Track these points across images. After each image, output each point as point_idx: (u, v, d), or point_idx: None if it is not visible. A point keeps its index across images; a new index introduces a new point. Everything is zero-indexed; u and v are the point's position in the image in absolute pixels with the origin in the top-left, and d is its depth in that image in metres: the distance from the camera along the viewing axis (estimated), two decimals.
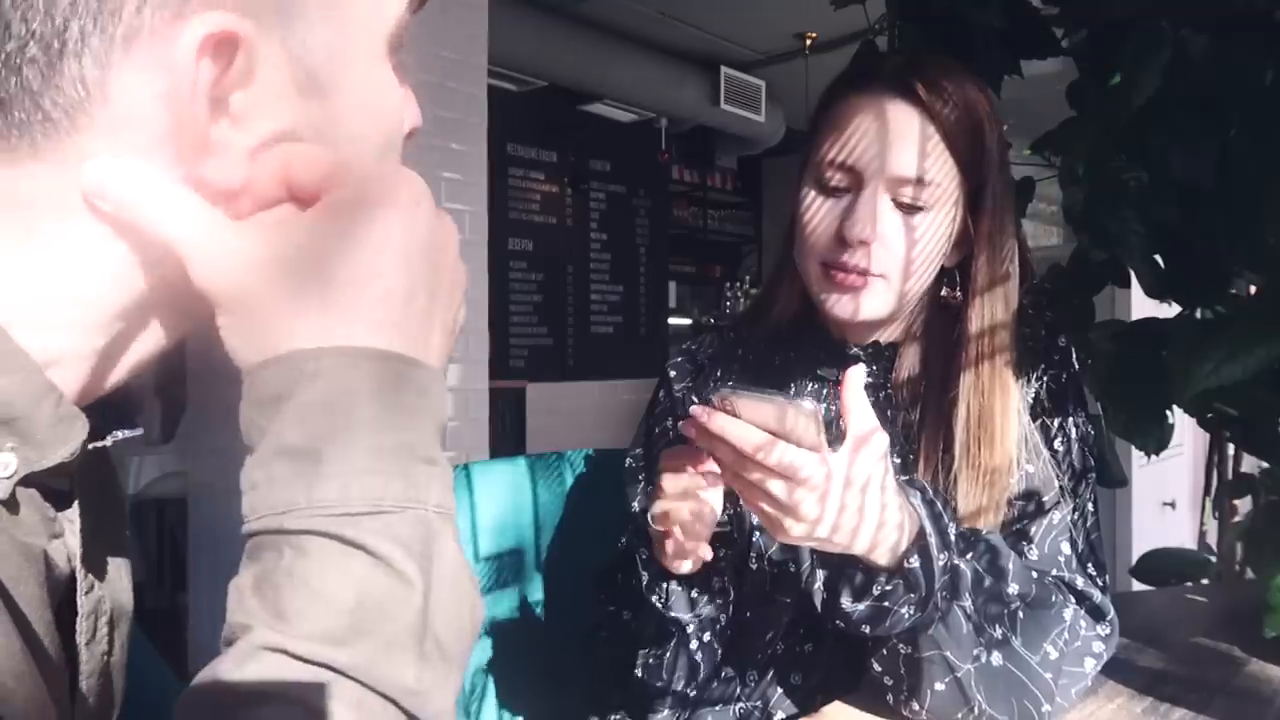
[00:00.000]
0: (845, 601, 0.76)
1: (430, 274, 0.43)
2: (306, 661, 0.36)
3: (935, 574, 0.74)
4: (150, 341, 0.45)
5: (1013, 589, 0.79)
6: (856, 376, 0.72)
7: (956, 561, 0.77)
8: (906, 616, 0.75)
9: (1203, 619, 1.17)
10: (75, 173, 0.39)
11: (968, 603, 0.77)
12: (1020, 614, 0.79)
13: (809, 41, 4.80)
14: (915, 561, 0.74)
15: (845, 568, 0.76)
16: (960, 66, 0.92)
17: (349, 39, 0.43)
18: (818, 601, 0.78)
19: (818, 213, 0.91)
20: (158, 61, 0.38)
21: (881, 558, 0.74)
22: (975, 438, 0.87)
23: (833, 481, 0.69)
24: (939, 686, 0.77)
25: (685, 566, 0.83)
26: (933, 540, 0.74)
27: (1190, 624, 1.11)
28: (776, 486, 0.69)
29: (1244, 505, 1.60)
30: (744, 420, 0.69)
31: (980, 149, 0.89)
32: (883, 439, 0.72)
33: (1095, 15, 1.37)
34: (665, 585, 0.87)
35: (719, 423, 0.69)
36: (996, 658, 0.78)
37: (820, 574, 0.78)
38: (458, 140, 2.88)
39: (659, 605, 0.86)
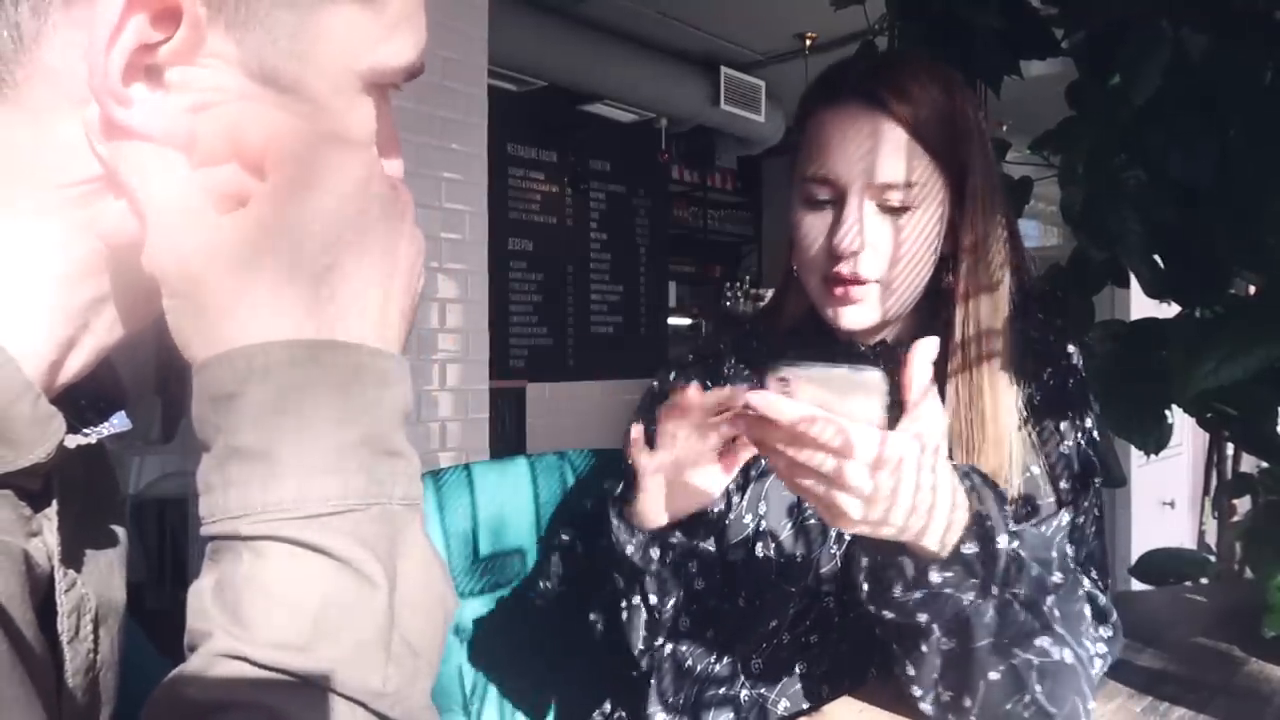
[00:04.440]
0: (900, 592, 0.73)
1: (386, 258, 0.41)
2: (268, 668, 0.36)
3: (997, 560, 0.72)
4: (106, 330, 0.44)
5: (1057, 577, 0.78)
6: (926, 348, 0.70)
7: (1014, 547, 0.74)
8: (968, 604, 0.73)
9: (1202, 619, 1.17)
10: (23, 134, 0.39)
11: (1020, 590, 0.75)
12: (1055, 609, 0.78)
13: (809, 41, 4.80)
14: (973, 547, 0.72)
15: (895, 554, 0.73)
16: (927, 62, 0.93)
17: (315, 54, 0.42)
18: (863, 592, 0.76)
19: (809, 229, 0.92)
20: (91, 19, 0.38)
21: (932, 543, 0.71)
22: (966, 441, 0.87)
23: (888, 458, 0.66)
24: (993, 676, 0.75)
25: (649, 511, 0.84)
26: (992, 525, 0.72)
27: (1190, 624, 1.11)
28: (832, 465, 0.66)
29: (1243, 505, 1.60)
30: (801, 400, 0.66)
31: (954, 142, 0.90)
32: (941, 418, 0.69)
33: (1095, 15, 1.37)
34: (618, 520, 0.86)
35: (775, 408, 0.66)
36: (1056, 651, 0.76)
37: (864, 560, 0.75)
38: (458, 140, 2.88)
39: (614, 526, 0.86)
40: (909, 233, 0.90)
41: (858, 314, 0.92)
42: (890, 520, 0.68)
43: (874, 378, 0.65)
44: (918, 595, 0.73)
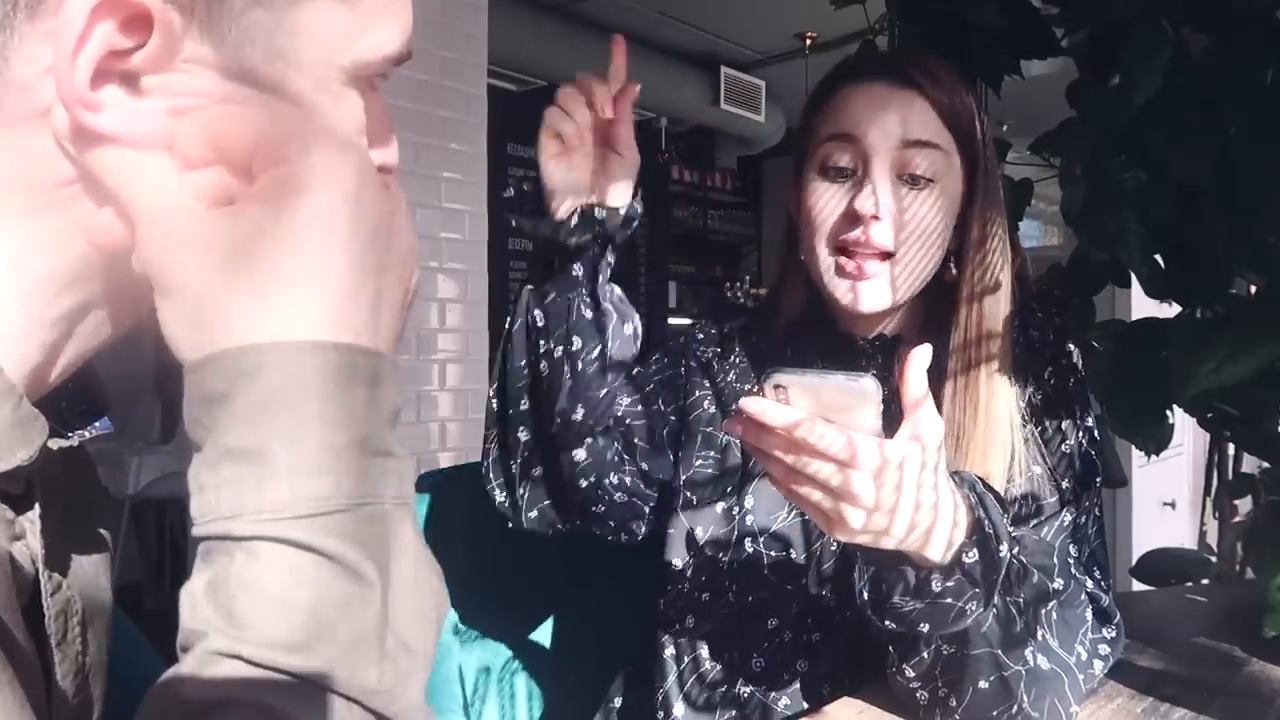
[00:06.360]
0: (901, 600, 0.72)
1: (378, 256, 0.41)
2: (264, 667, 0.36)
3: (998, 568, 0.71)
4: (92, 334, 0.44)
5: (1058, 583, 0.78)
6: (921, 356, 0.68)
7: (1014, 554, 0.74)
8: (969, 613, 0.72)
9: (1203, 619, 1.17)
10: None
11: (1021, 597, 0.75)
12: (1054, 613, 0.78)
13: (809, 41, 4.81)
14: (974, 556, 0.71)
15: (896, 564, 0.72)
16: (947, 65, 0.95)
17: (294, 51, 0.41)
18: (863, 600, 0.74)
19: (825, 197, 0.91)
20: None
21: (933, 552, 0.70)
22: (961, 440, 0.87)
23: (889, 467, 0.65)
24: (983, 684, 0.75)
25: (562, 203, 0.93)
26: (993, 533, 0.71)
27: (1190, 624, 1.11)
28: (831, 472, 0.65)
29: (1244, 505, 1.60)
30: (797, 407, 0.65)
31: (970, 133, 0.92)
32: (939, 425, 0.68)
33: (1095, 15, 1.37)
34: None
35: (772, 414, 0.65)
36: (1044, 661, 0.76)
37: (866, 571, 0.74)
38: (457, 140, 2.88)
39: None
40: (927, 208, 0.90)
41: (871, 292, 0.90)
42: (891, 530, 0.67)
43: (870, 386, 0.64)
44: (919, 604, 0.72)
